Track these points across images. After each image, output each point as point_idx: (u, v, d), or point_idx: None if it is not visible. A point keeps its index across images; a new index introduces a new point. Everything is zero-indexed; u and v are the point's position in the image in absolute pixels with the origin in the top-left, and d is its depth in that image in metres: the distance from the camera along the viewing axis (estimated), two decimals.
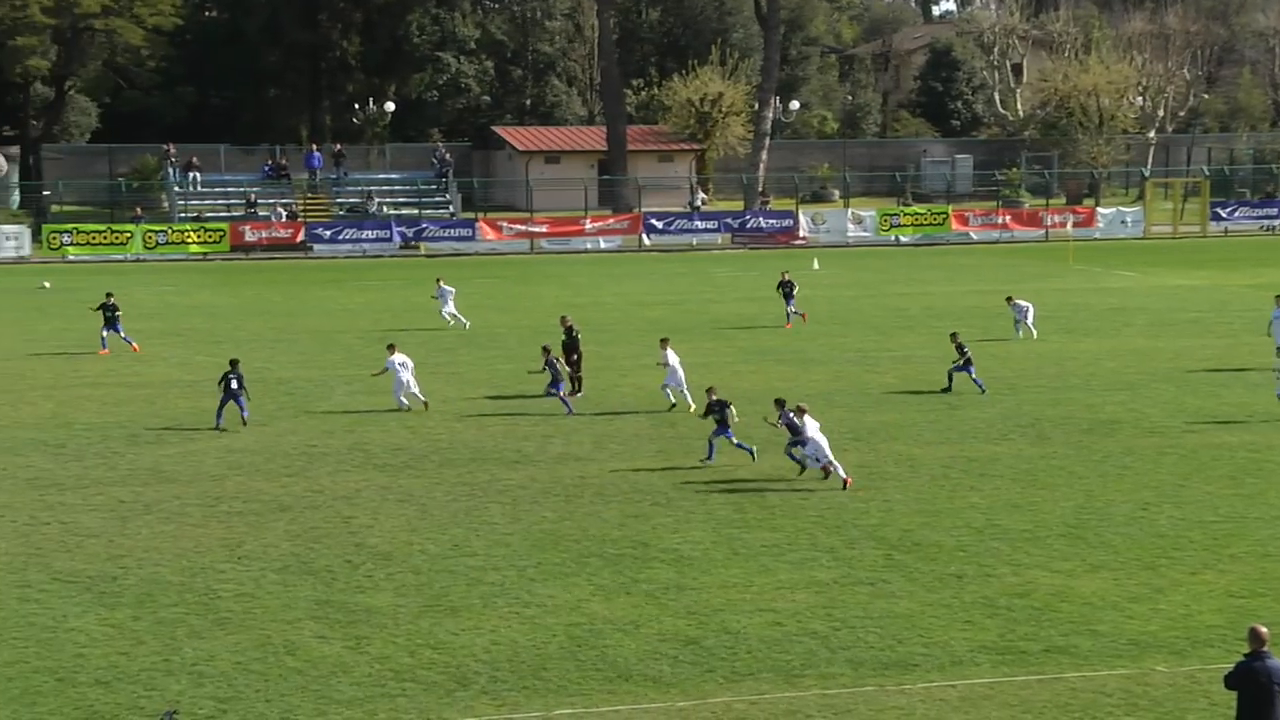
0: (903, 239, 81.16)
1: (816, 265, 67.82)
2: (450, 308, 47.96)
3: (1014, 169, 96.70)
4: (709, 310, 52.97)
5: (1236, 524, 24.92)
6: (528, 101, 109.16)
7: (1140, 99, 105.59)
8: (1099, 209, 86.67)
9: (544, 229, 79.55)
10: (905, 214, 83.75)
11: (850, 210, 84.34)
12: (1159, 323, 48.57)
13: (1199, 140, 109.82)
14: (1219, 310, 51.49)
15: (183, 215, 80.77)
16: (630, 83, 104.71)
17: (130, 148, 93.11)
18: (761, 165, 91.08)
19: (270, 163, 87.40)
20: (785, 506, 26.13)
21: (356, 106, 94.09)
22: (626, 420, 33.59)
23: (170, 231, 76.26)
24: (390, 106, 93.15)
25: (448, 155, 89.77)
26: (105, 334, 43.55)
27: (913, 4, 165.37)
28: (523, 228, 79.71)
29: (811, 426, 27.35)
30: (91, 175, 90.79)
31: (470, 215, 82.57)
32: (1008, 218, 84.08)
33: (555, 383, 34.32)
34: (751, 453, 28.80)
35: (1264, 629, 15.02)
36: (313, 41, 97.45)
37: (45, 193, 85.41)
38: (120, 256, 74.20)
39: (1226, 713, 15.90)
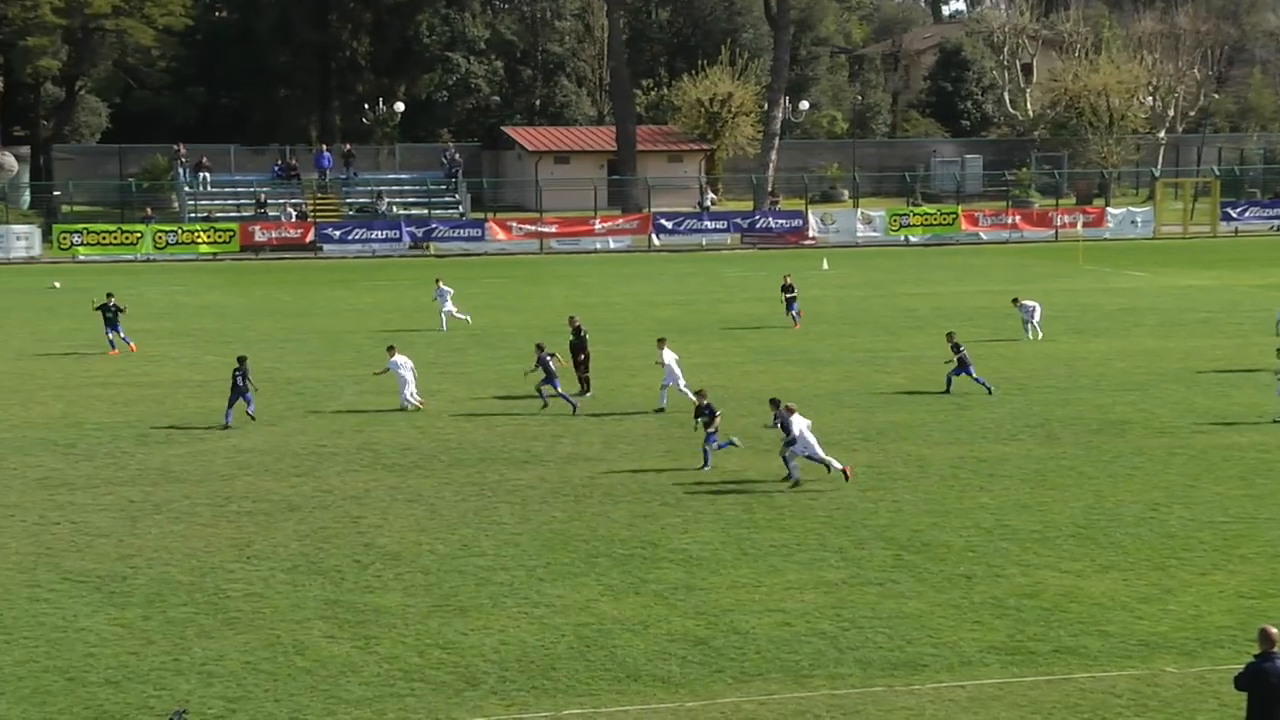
0: (912, 239, 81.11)
1: (826, 265, 67.82)
2: (449, 307, 47.96)
3: (1024, 169, 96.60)
4: (718, 310, 52.96)
5: (1247, 525, 24.87)
6: (537, 102, 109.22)
7: (1150, 99, 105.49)
8: (1109, 209, 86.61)
9: (553, 229, 79.58)
10: (915, 214, 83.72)
11: (860, 210, 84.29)
12: (1169, 323, 48.51)
13: (1209, 140, 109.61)
14: (1229, 310, 51.41)
15: (193, 215, 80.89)
16: (640, 83, 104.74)
17: (140, 148, 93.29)
18: (771, 165, 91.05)
19: (280, 163, 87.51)
20: (794, 507, 26.12)
21: (366, 106, 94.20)
22: (636, 420, 33.60)
23: (180, 232, 76.35)
24: (400, 107, 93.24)
25: (457, 155, 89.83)
26: (110, 335, 43.64)
27: (922, 4, 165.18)
28: (532, 228, 79.73)
29: (800, 424, 27.26)
30: (102, 175, 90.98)
31: (480, 215, 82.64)
32: (1017, 218, 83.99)
33: (550, 379, 34.33)
34: (732, 443, 28.78)
35: (1274, 630, 14.98)
36: (323, 42, 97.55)
37: (56, 193, 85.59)
38: (130, 257, 74.30)
39: (1236, 713, 15.87)
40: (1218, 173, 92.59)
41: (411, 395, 34.60)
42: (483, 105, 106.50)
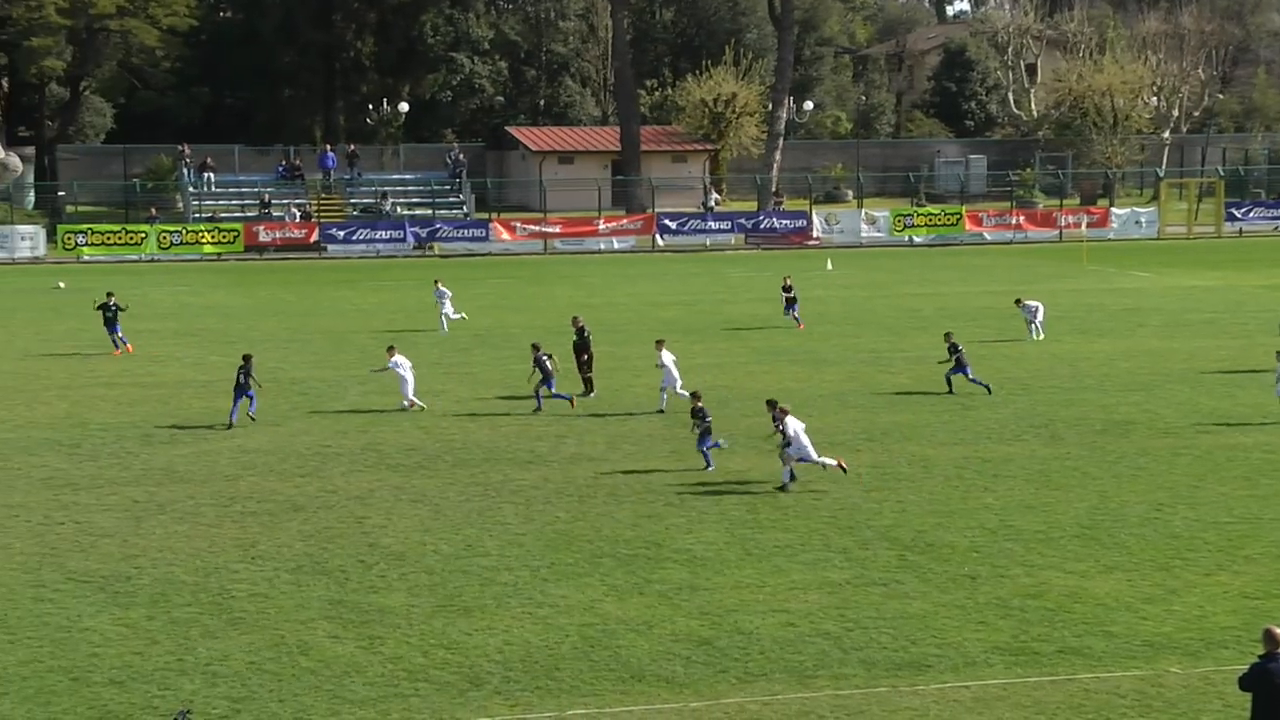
0: (916, 239, 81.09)
1: (830, 266, 67.82)
2: (448, 309, 47.96)
3: (1028, 169, 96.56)
4: (722, 311, 52.96)
5: (1251, 525, 24.86)
6: (541, 102, 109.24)
7: (1155, 99, 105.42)
8: (1113, 209, 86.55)
9: (558, 229, 79.60)
10: (919, 214, 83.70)
11: (864, 211, 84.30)
12: (1173, 323, 48.48)
13: (1214, 140, 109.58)
14: (1234, 311, 51.38)
15: (197, 216, 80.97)
16: (644, 83, 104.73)
17: (145, 148, 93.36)
18: (775, 165, 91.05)
19: (284, 163, 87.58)
20: (798, 507, 26.12)
21: (370, 107, 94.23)
22: (640, 421, 33.60)
23: (185, 232, 76.41)
24: (404, 107, 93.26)
25: (461, 156, 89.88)
26: (112, 334, 43.69)
27: (927, 4, 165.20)
28: (536, 228, 79.74)
29: (795, 426, 27.23)
30: (106, 176, 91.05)
31: (484, 216, 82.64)
32: (1022, 218, 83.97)
33: (547, 380, 34.35)
34: (719, 445, 28.80)
35: (1279, 630, 14.96)
36: (327, 42, 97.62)
37: (60, 193, 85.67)
38: (135, 257, 74.36)
39: (1241, 714, 15.86)
40: (1222, 173, 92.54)
41: (410, 392, 34.63)
42: (487, 105, 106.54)
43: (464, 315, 48.23)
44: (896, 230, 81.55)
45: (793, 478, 27.35)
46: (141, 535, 24.78)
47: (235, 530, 25.02)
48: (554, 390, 34.47)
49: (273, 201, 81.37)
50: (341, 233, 77.94)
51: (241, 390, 33.07)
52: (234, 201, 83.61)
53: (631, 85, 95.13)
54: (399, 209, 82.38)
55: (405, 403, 34.66)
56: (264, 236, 76.71)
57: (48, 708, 17.75)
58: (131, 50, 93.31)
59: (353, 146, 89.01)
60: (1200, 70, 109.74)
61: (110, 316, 43.78)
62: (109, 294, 44.73)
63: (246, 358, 33.72)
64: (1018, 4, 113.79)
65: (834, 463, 27.29)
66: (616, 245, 79.42)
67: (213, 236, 76.22)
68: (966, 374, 35.90)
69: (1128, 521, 25.09)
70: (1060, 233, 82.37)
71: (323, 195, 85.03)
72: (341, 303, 56.69)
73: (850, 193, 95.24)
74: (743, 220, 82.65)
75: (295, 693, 18.12)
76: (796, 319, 47.66)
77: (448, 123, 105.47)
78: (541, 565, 22.95)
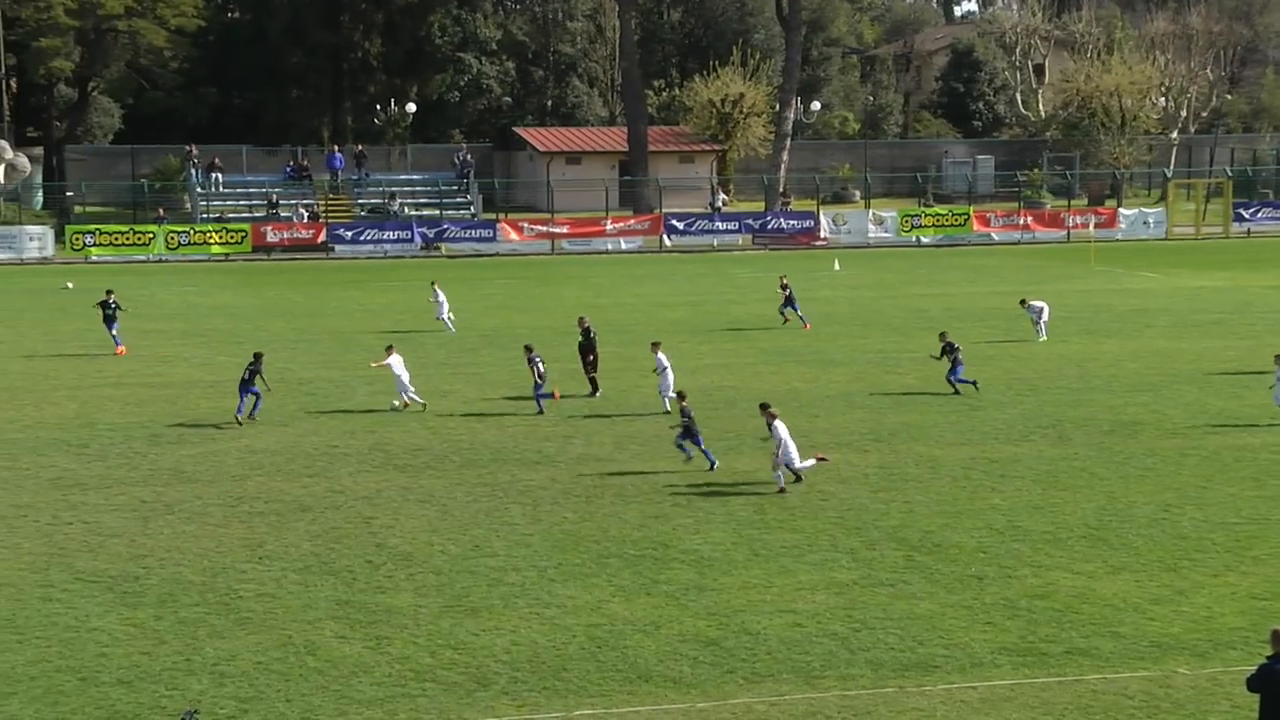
0: (924, 240, 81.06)
1: (837, 266, 67.80)
2: (445, 313, 47.97)
3: (1036, 170, 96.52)
4: (730, 311, 52.94)
5: (1259, 526, 24.83)
6: (549, 102, 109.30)
7: (1163, 99, 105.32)
8: (1121, 210, 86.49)
9: (565, 230, 79.62)
10: (926, 215, 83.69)
11: (871, 211, 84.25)
12: (1181, 324, 48.43)
13: (1222, 141, 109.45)
14: (1242, 312, 51.32)
15: (205, 216, 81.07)
16: (651, 83, 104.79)
17: (153, 149, 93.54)
18: (782, 166, 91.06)
19: (292, 163, 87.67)
20: (805, 508, 26.11)
21: (378, 107, 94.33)
22: (647, 421, 33.59)
23: (192, 232, 76.51)
24: (412, 107, 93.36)
25: (469, 156, 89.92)
26: (111, 332, 43.79)
27: (934, 5, 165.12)
28: (544, 228, 79.79)
29: (782, 431, 27.20)
30: (114, 176, 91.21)
31: (491, 216, 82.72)
32: (1029, 219, 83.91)
33: (538, 380, 34.38)
34: (686, 451, 28.78)
35: None
36: (335, 42, 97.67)
37: (68, 194, 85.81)
38: (143, 257, 74.45)
39: (1249, 715, 15.85)
40: (1230, 173, 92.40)
41: (404, 394, 34.66)
42: (494, 106, 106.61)
43: (451, 319, 48.05)
44: (904, 231, 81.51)
45: (798, 479, 27.36)
46: (149, 535, 24.81)
47: (243, 530, 25.04)
48: (538, 393, 34.48)
49: (280, 202, 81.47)
50: (349, 233, 78.01)
51: (246, 387, 33.12)
52: (241, 202, 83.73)
53: (639, 86, 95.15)
54: (406, 209, 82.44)
55: (397, 402, 34.69)
56: (271, 237, 76.77)
57: (56, 707, 17.77)
58: (139, 51, 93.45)
59: (360, 147, 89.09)
60: (1208, 70, 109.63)
61: (109, 315, 43.87)
62: (108, 292, 44.83)
63: (258, 355, 33.82)
64: (1025, 4, 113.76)
65: (811, 463, 27.24)
66: (624, 246, 79.44)
67: (220, 237, 76.30)
68: (953, 373, 35.95)
69: (1135, 522, 25.06)
70: (1068, 233, 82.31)
71: (330, 196, 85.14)
72: (349, 303, 56.72)
73: (858, 193, 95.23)
74: (750, 221, 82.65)
75: (303, 693, 18.14)
76: (802, 318, 47.62)
77: (455, 123, 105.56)
78: (549, 566, 22.95)
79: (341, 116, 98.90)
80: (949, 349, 36.28)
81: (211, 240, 76.02)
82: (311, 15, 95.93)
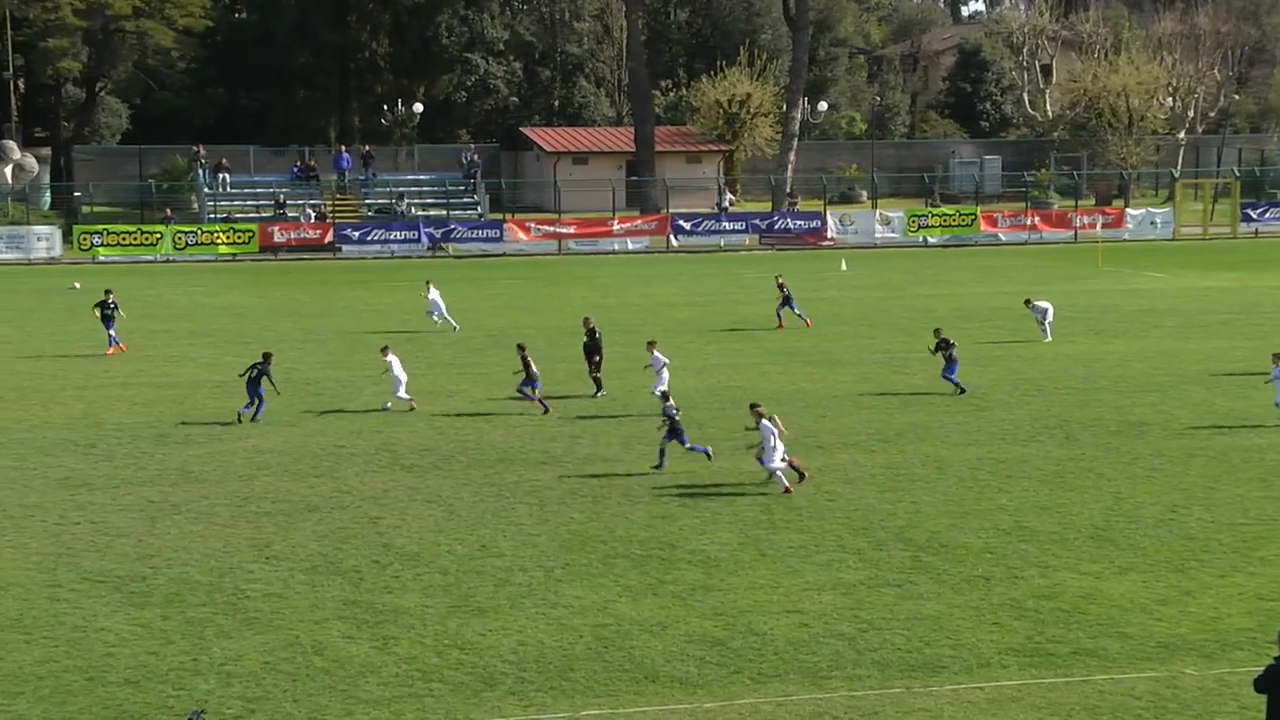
0: (931, 240, 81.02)
1: (844, 266, 67.78)
2: (442, 310, 47.99)
3: (1043, 170, 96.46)
4: (736, 311, 52.93)
5: (1267, 526, 24.80)
6: (556, 102, 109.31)
7: (1170, 99, 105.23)
8: (1128, 210, 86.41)
9: (572, 230, 79.64)
10: (933, 215, 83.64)
11: (878, 211, 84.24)
12: (1188, 324, 48.38)
13: (1229, 141, 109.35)
14: (1249, 312, 51.26)
15: (212, 216, 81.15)
16: (658, 84, 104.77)
17: (160, 149, 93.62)
18: (789, 166, 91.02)
19: (299, 164, 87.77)
20: (812, 508, 26.10)
21: (385, 108, 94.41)
22: (654, 421, 33.45)
23: (200, 232, 76.58)
24: (419, 108, 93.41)
25: (476, 156, 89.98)
26: (110, 332, 43.84)
27: (941, 5, 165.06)
28: (551, 229, 79.80)
29: (767, 431, 27.15)
30: (122, 176, 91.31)
31: (498, 216, 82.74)
32: (1036, 219, 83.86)
33: (530, 381, 34.35)
34: (662, 450, 28.76)
35: None
36: (342, 43, 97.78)
37: (76, 194, 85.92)
38: (150, 257, 74.53)
39: (1256, 716, 15.83)
40: (1238, 173, 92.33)
41: (396, 392, 34.71)
42: (501, 106, 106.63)
43: (439, 322, 48.05)
44: (911, 231, 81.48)
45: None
46: (157, 535, 24.83)
47: (250, 530, 25.06)
48: (524, 391, 34.46)
49: (288, 202, 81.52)
50: (356, 233, 78.05)
51: (253, 387, 33.19)
52: (249, 202, 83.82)
53: (646, 86, 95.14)
54: (413, 210, 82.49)
55: (389, 402, 34.74)
56: (279, 237, 76.85)
57: (63, 707, 17.80)
58: (147, 51, 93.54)
59: (367, 147, 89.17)
60: (1216, 71, 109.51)
61: (108, 315, 43.93)
62: (106, 292, 44.91)
63: (266, 356, 33.91)
64: (1033, 4, 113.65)
65: (783, 466, 27.11)
66: (631, 246, 79.44)
67: (228, 237, 76.37)
68: (949, 371, 35.92)
69: (1143, 523, 25.04)
70: (1075, 233, 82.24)
71: (337, 196, 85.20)
72: (356, 303, 56.75)
73: (865, 193, 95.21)
74: (757, 221, 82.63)
75: (310, 693, 18.15)
76: (801, 316, 47.60)
77: (462, 123, 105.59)
78: (555, 566, 22.96)
79: (349, 117, 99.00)
80: (943, 345, 36.24)
81: (219, 240, 76.10)
82: (319, 15, 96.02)
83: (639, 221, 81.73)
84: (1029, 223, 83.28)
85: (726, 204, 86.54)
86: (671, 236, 79.98)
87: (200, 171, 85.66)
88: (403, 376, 34.71)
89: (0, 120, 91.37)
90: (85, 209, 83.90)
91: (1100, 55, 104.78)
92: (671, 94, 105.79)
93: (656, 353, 34.59)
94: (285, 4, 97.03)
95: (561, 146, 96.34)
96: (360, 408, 35.45)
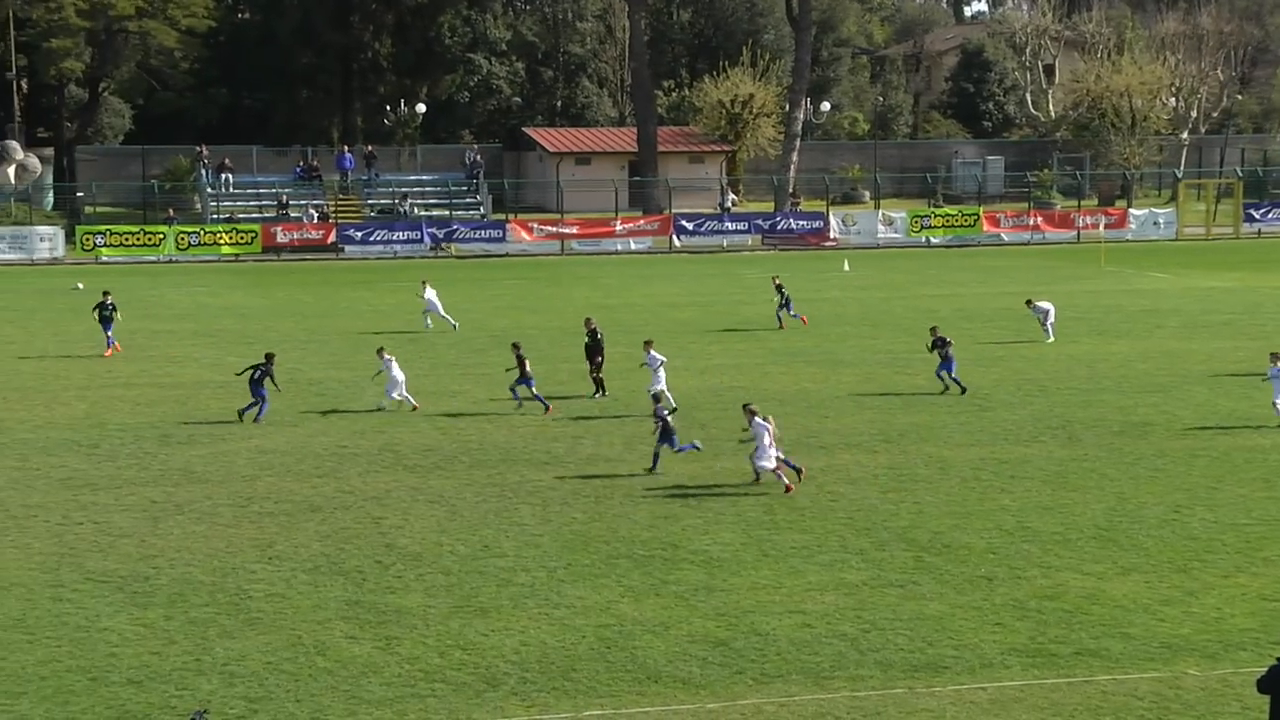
0: (933, 240, 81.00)
1: (847, 267, 67.77)
2: (438, 310, 48.00)
3: (1046, 170, 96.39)
4: (739, 311, 52.93)
5: (1270, 527, 24.79)
6: (558, 103, 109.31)
7: (1173, 100, 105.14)
8: (1131, 210, 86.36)
9: (574, 230, 79.65)
10: (936, 215, 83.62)
11: (881, 211, 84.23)
12: (1191, 325, 48.36)
13: (1232, 141, 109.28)
14: (1252, 312, 51.24)
15: (215, 216, 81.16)
16: (661, 84, 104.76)
17: (163, 149, 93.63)
18: (792, 166, 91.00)
19: (302, 164, 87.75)
20: (815, 508, 26.10)
21: (388, 108, 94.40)
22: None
23: (203, 233, 76.59)
24: (421, 108, 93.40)
25: (479, 156, 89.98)
26: (108, 332, 43.87)
27: (944, 5, 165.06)
28: (553, 229, 79.80)
29: (758, 429, 27.14)
30: (125, 177, 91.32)
31: (501, 216, 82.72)
32: (1039, 219, 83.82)
33: (525, 379, 34.35)
34: (657, 460, 28.79)
35: None
36: (345, 43, 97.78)
37: (79, 194, 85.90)
38: (153, 258, 74.54)
39: (1259, 717, 15.83)
40: (1241, 174, 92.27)
41: (395, 394, 34.71)
42: (504, 106, 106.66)
43: (431, 324, 48.06)
44: (913, 231, 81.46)
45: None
46: (159, 535, 24.85)
47: (253, 531, 25.08)
48: (517, 389, 34.48)
49: (290, 202, 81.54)
50: (359, 234, 78.06)
51: (256, 387, 33.22)
52: (252, 202, 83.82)
53: (649, 86, 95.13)
54: (416, 210, 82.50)
55: (383, 403, 34.75)
56: (281, 237, 76.85)
57: (66, 707, 17.81)
58: (150, 51, 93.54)
59: (370, 147, 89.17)
60: (1219, 71, 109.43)
61: (106, 315, 43.95)
62: (105, 293, 44.94)
63: (269, 356, 33.95)
64: (1036, 5, 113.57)
65: (770, 466, 27.09)
66: (633, 246, 79.44)
67: (230, 237, 76.38)
68: (947, 369, 35.92)
69: (1146, 523, 25.04)
70: (1078, 234, 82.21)
71: (340, 196, 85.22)
72: (359, 304, 56.77)
73: (867, 194, 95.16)
74: (760, 221, 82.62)
75: (312, 693, 18.16)
76: (795, 315, 47.61)
77: (465, 124, 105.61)
78: (558, 566, 22.96)
79: (351, 117, 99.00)
80: (939, 343, 36.23)
81: (221, 241, 76.12)
82: (322, 16, 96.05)
83: (641, 222, 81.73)
84: (1032, 223, 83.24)
85: (729, 204, 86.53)
86: (674, 237, 79.97)
87: (203, 172, 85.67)
88: (400, 377, 34.71)
89: (3, 121, 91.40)
90: (88, 209, 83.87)
91: (1103, 55, 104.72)
92: (674, 94, 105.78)
93: (653, 352, 34.61)
94: (288, 4, 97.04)
95: (564, 147, 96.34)
96: (363, 408, 35.46)
